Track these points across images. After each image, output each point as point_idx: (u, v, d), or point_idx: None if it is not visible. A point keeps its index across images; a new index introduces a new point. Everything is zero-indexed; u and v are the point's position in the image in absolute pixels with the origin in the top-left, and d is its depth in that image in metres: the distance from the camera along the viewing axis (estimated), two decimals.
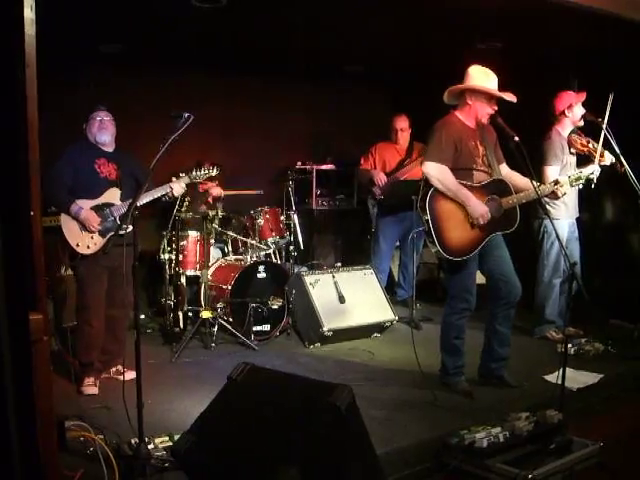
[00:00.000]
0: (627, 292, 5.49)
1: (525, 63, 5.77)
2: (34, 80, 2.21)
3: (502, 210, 4.17)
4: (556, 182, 4.35)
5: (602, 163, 5.05)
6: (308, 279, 5.67)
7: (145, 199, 4.36)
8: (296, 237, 6.41)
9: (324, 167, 7.47)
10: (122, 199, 4.40)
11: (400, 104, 7.17)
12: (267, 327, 5.65)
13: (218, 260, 6.05)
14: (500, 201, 4.17)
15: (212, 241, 6.10)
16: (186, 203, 5.61)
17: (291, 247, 6.37)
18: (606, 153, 5.08)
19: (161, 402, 4.07)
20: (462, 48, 5.38)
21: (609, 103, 4.89)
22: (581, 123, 5.31)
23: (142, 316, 6.13)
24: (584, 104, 5.26)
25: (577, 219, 5.52)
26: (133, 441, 3.23)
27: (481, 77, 4.16)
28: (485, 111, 4.17)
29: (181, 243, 5.75)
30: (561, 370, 3.66)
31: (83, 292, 4.42)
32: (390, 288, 6.56)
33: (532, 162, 3.90)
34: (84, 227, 4.28)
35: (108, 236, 4.30)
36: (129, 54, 5.99)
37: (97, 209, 4.32)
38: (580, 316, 5.24)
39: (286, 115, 7.33)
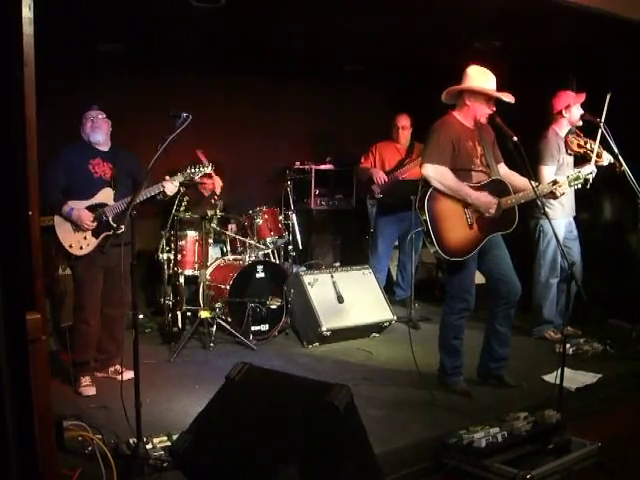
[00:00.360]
0: (626, 292, 5.48)
1: (524, 63, 5.77)
2: (32, 79, 2.21)
3: (501, 210, 4.17)
4: (554, 182, 4.35)
5: (600, 163, 5.06)
6: (306, 279, 5.67)
7: (138, 198, 4.29)
8: (295, 237, 6.41)
9: (323, 167, 7.46)
10: (116, 199, 4.36)
11: (400, 104, 7.16)
12: (265, 327, 5.65)
13: (217, 260, 6.05)
14: (499, 201, 4.17)
15: (211, 241, 6.09)
16: (184, 203, 5.60)
17: (290, 247, 6.37)
18: (604, 154, 5.08)
19: (159, 402, 4.07)
20: (461, 48, 5.39)
21: (607, 102, 4.89)
22: (579, 123, 5.31)
23: (140, 316, 6.12)
24: (582, 104, 5.26)
25: (575, 218, 5.52)
26: (131, 441, 3.23)
27: (479, 77, 4.15)
28: (484, 111, 4.17)
29: (180, 243, 5.75)
30: (560, 370, 3.66)
31: (80, 292, 4.40)
32: (389, 288, 6.57)
33: (529, 162, 3.90)
34: (77, 227, 4.25)
35: (102, 236, 4.29)
36: (128, 54, 5.98)
37: (90, 209, 4.29)
38: (579, 316, 5.25)
39: (285, 115, 7.33)
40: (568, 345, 4.96)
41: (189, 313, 5.83)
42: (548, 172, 5.16)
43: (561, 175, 4.77)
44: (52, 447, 2.33)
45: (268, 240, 6.11)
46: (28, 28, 2.18)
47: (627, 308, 5.41)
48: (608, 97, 4.87)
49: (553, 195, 4.37)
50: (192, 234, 5.83)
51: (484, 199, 4.10)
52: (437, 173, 4.05)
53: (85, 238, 4.29)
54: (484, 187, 4.17)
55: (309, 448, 2.46)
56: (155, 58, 6.21)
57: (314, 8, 4.81)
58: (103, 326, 4.52)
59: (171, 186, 4.48)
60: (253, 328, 5.49)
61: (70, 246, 4.26)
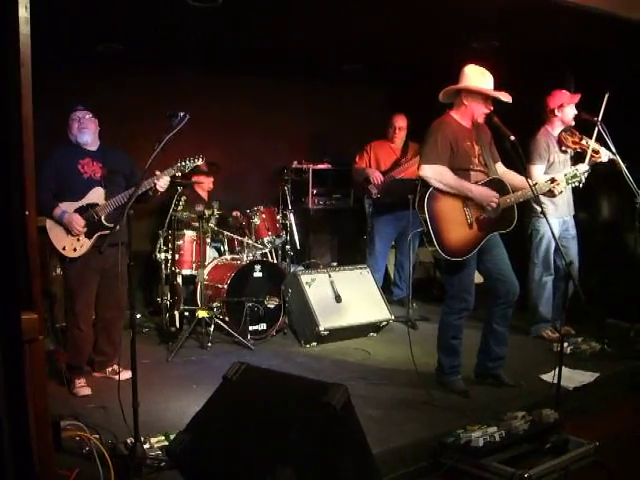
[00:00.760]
0: (623, 291, 5.49)
1: (522, 62, 5.77)
2: (29, 79, 2.21)
3: (500, 209, 4.17)
4: (552, 180, 4.35)
5: (598, 159, 5.05)
6: (304, 278, 5.67)
7: (129, 196, 4.18)
8: (292, 236, 6.41)
9: (321, 167, 7.46)
10: (107, 198, 4.33)
11: (399, 103, 7.17)
12: (263, 326, 5.65)
13: (214, 259, 6.05)
14: (498, 199, 4.18)
15: (208, 240, 6.09)
16: (182, 202, 5.60)
17: (287, 246, 6.37)
18: (602, 149, 5.07)
19: (157, 402, 4.06)
20: (460, 47, 5.39)
21: (604, 101, 4.89)
22: (572, 123, 5.31)
23: (138, 315, 6.12)
24: (580, 103, 5.26)
25: (574, 217, 5.53)
26: (129, 441, 3.24)
27: (477, 77, 4.15)
28: (481, 111, 4.17)
29: (177, 242, 5.75)
30: (557, 369, 3.66)
31: (72, 297, 4.37)
32: (386, 287, 6.57)
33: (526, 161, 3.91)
34: (69, 230, 4.23)
35: (95, 237, 4.27)
36: (127, 54, 5.97)
37: (81, 211, 4.26)
38: (576, 315, 5.25)
39: (284, 114, 7.32)
40: (566, 344, 4.96)
41: (187, 313, 5.83)
42: (537, 171, 5.19)
43: (554, 174, 4.78)
44: (49, 447, 2.33)
45: (266, 240, 6.11)
46: (25, 28, 2.17)
47: (625, 307, 5.41)
48: (606, 96, 4.86)
49: (551, 193, 4.38)
50: (190, 234, 5.83)
51: (485, 192, 4.10)
52: (435, 173, 4.04)
53: (78, 240, 4.26)
54: (482, 186, 4.17)
55: (306, 448, 2.46)
56: (154, 58, 6.21)
57: (313, 7, 4.81)
58: (100, 329, 4.51)
59: (162, 181, 4.39)
60: (251, 328, 5.49)
61: (64, 248, 4.24)
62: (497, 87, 4.16)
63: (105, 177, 4.37)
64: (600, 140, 5.07)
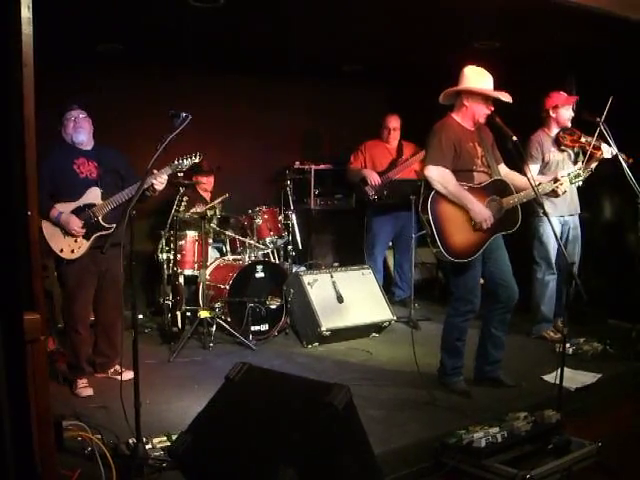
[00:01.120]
0: (625, 292, 5.48)
1: (523, 63, 5.77)
2: (31, 79, 2.21)
3: (503, 211, 4.16)
4: (555, 180, 4.36)
5: (601, 156, 5.03)
6: (306, 279, 5.67)
7: (126, 195, 4.22)
8: (294, 237, 6.41)
9: (322, 167, 7.46)
10: (104, 198, 4.29)
11: (399, 103, 7.17)
12: (265, 327, 5.65)
13: (216, 260, 6.05)
14: (501, 201, 4.17)
15: (210, 241, 6.09)
16: (184, 203, 5.60)
17: (289, 247, 6.37)
18: (603, 146, 5.06)
19: (159, 402, 4.07)
20: (461, 47, 5.39)
21: (608, 105, 4.88)
22: (568, 124, 5.31)
23: (140, 316, 6.13)
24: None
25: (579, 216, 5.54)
26: (131, 441, 3.24)
27: (476, 77, 4.15)
28: (482, 111, 4.16)
29: (179, 243, 5.74)
30: (559, 370, 3.65)
31: (69, 301, 4.35)
32: (387, 288, 6.56)
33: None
34: (67, 232, 4.18)
35: (93, 238, 4.24)
36: (127, 54, 5.98)
37: (78, 211, 4.23)
38: (578, 316, 5.24)
39: (285, 115, 7.32)
40: (568, 345, 4.96)
41: (189, 313, 5.82)
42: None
43: (551, 173, 4.85)
44: (51, 447, 2.33)
45: (268, 240, 6.10)
46: (27, 28, 2.18)
47: (627, 308, 5.40)
48: (610, 100, 4.85)
49: (555, 193, 4.38)
50: (192, 234, 5.83)
51: (483, 212, 4.06)
52: (440, 176, 4.04)
53: (76, 241, 4.21)
54: (485, 188, 4.17)
55: (308, 448, 2.46)
56: (154, 58, 6.21)
57: (314, 8, 4.81)
58: (100, 331, 4.50)
59: (159, 180, 4.31)
60: (253, 328, 5.49)
61: (61, 250, 4.19)
62: (498, 87, 4.16)
63: (101, 177, 4.34)
64: (602, 140, 5.06)
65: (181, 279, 5.87)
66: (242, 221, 6.16)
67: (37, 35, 2.24)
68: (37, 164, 2.94)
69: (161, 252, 5.90)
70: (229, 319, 5.51)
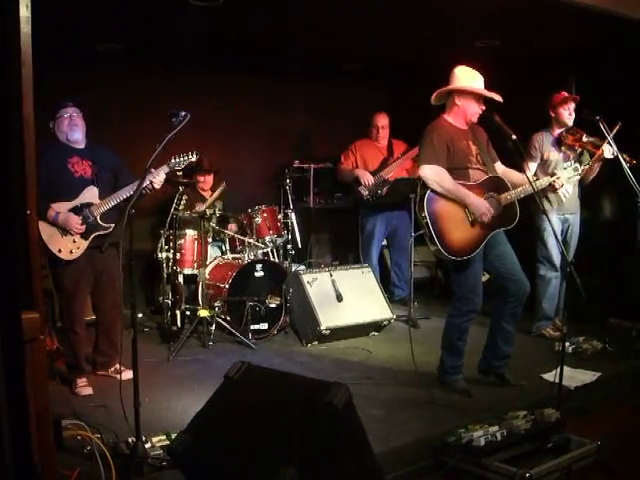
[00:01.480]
0: (625, 291, 5.48)
1: (523, 62, 5.77)
2: (30, 79, 2.21)
3: (501, 207, 4.17)
4: (552, 174, 4.40)
5: (601, 156, 5.04)
6: (306, 277, 5.67)
7: (124, 194, 4.20)
8: (294, 235, 6.40)
9: (322, 166, 7.45)
10: (101, 197, 4.24)
11: (399, 103, 7.16)
12: (265, 326, 5.65)
13: (216, 259, 6.05)
14: (498, 198, 4.18)
15: (210, 240, 6.09)
16: (183, 202, 5.60)
17: (289, 245, 6.36)
18: (605, 146, 5.07)
19: (158, 401, 4.07)
20: (461, 47, 5.38)
21: (615, 129, 4.90)
22: (568, 124, 5.32)
23: (139, 315, 6.14)
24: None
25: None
26: (130, 440, 3.24)
27: (467, 77, 4.17)
28: (474, 110, 4.18)
29: (179, 242, 5.74)
30: (559, 369, 3.66)
31: (67, 302, 4.32)
32: (384, 287, 6.55)
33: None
34: (65, 232, 4.13)
35: (91, 237, 4.21)
36: (127, 53, 5.97)
37: (75, 211, 4.17)
38: (578, 315, 5.24)
39: (284, 113, 7.32)
40: (567, 343, 4.96)
41: (188, 312, 5.82)
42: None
43: (551, 171, 4.88)
44: (50, 447, 2.33)
45: (267, 239, 6.10)
46: (26, 27, 2.17)
47: (627, 307, 5.40)
48: (617, 126, 4.89)
49: (552, 187, 4.41)
50: (191, 233, 5.83)
51: (482, 204, 4.07)
52: (435, 174, 4.04)
53: (74, 242, 4.16)
54: (482, 184, 4.17)
55: (308, 447, 2.46)
56: (154, 58, 6.20)
57: (314, 7, 4.80)
58: (100, 331, 4.51)
59: (157, 178, 4.28)
60: (252, 327, 5.49)
61: (59, 251, 4.12)
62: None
63: (97, 176, 4.28)
64: (604, 139, 5.07)
65: (180, 278, 5.87)
66: (241, 220, 6.17)
67: (36, 34, 2.24)
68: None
69: (160, 251, 5.90)
70: (229, 318, 5.51)
